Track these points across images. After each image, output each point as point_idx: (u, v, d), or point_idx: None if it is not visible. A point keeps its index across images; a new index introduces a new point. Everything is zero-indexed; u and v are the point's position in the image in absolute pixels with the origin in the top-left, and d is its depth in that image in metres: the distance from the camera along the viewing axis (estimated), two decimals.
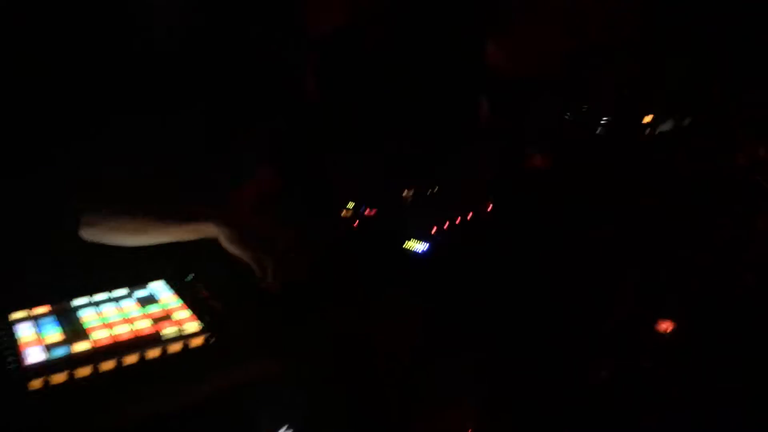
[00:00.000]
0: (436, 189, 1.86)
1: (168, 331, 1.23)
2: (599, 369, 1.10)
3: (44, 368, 1.11)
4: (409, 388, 1.11)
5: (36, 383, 1.07)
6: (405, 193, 1.83)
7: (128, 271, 1.47)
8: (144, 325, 1.26)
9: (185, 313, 1.30)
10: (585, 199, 1.83)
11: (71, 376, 1.09)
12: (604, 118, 2.74)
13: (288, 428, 1.00)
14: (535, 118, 2.50)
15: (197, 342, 1.20)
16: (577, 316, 1.24)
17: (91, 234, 1.43)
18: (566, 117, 2.90)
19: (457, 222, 1.63)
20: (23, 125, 1.43)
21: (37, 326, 1.25)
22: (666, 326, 1.19)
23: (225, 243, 1.36)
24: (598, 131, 2.64)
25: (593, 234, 1.56)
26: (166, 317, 1.29)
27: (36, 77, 1.42)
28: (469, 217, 1.67)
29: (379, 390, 1.10)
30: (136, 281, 1.44)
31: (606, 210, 1.74)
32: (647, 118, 2.70)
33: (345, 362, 1.16)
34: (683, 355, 1.13)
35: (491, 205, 1.74)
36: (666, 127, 2.60)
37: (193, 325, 1.26)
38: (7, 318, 1.28)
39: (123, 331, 1.23)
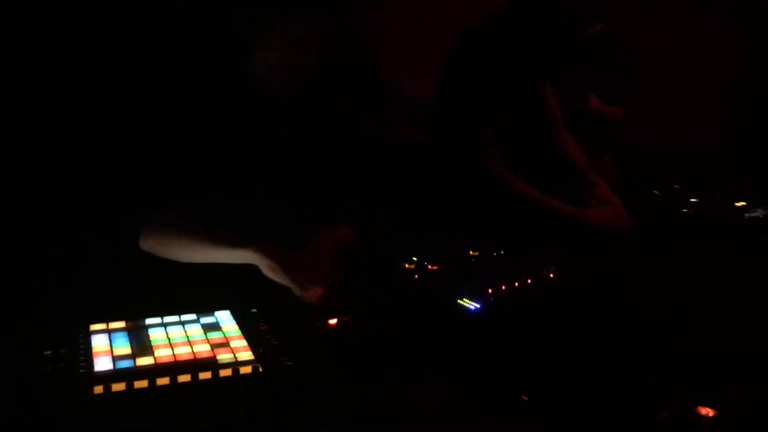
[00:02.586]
0: (501, 252, 1.90)
1: (223, 356, 1.33)
2: None
3: (108, 377, 1.22)
4: None
5: (99, 389, 1.18)
6: (471, 253, 1.88)
7: (202, 298, 1.59)
8: (203, 349, 1.36)
9: (241, 343, 1.40)
10: (657, 278, 1.81)
11: (130, 386, 1.20)
12: (694, 198, 2.70)
13: None
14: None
15: (246, 370, 1.29)
16: (613, 392, 1.24)
17: (149, 245, 1.58)
18: (655, 193, 2.89)
19: (515, 285, 1.66)
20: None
21: (110, 339, 1.38)
22: (706, 412, 1.16)
23: (264, 270, 1.52)
24: (685, 210, 2.61)
25: (652, 315, 1.54)
26: (224, 344, 1.39)
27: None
28: (528, 282, 1.69)
29: None
30: (205, 309, 1.55)
31: (677, 290, 1.71)
32: (739, 203, 2.64)
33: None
34: None
35: (553, 274, 1.76)
36: (757, 213, 2.52)
37: (245, 354, 1.34)
38: (87, 328, 1.42)
39: (183, 352, 1.34)
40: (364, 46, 2.40)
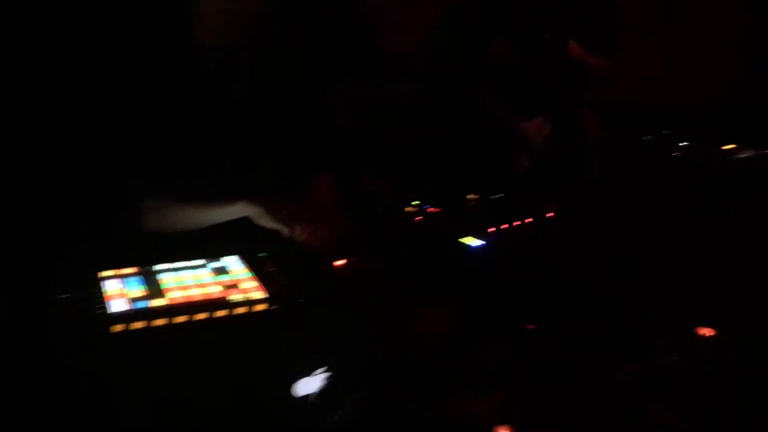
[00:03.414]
0: (500, 195, 1.94)
1: (235, 297, 1.36)
2: (627, 367, 1.14)
3: (126, 316, 1.25)
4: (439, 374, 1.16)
5: (118, 327, 1.21)
6: (470, 197, 1.91)
7: (207, 245, 1.62)
8: (214, 290, 1.38)
9: (253, 284, 1.43)
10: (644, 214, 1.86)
11: (148, 324, 1.23)
12: (684, 142, 2.75)
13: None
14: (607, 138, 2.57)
15: (259, 307, 1.32)
16: (612, 318, 1.29)
17: (151, 219, 1.67)
18: (646, 138, 2.93)
19: (515, 224, 1.70)
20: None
21: (123, 283, 1.40)
22: (706, 332, 1.21)
23: (255, 219, 1.64)
24: (675, 154, 2.66)
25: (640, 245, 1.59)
26: (234, 285, 1.41)
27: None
28: (527, 221, 1.73)
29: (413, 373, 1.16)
30: (212, 255, 1.57)
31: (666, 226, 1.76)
32: (728, 146, 2.69)
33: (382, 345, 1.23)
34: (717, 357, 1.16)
35: (553, 213, 1.80)
36: (746, 154, 2.58)
37: (258, 294, 1.37)
38: (96, 275, 1.44)
39: (195, 293, 1.36)
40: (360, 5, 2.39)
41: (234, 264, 1.54)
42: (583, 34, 2.95)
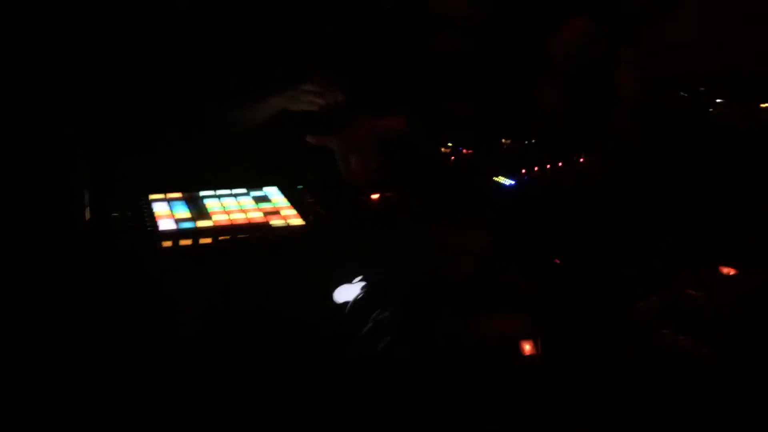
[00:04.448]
0: (533, 141, 1.97)
1: (275, 222, 1.43)
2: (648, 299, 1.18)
3: (174, 234, 1.33)
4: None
5: (167, 243, 1.29)
6: (503, 141, 1.95)
7: (249, 175, 1.69)
8: (256, 216, 1.46)
9: (292, 212, 1.50)
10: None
11: (195, 242, 1.31)
12: (719, 99, 2.73)
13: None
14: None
15: (299, 232, 1.39)
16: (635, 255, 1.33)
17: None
18: (682, 94, 2.91)
19: (548, 167, 1.74)
20: None
21: (170, 206, 1.48)
22: (728, 270, 1.25)
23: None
24: (711, 109, 2.64)
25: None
26: (275, 212, 1.49)
27: None
28: (560, 165, 1.77)
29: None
30: (253, 184, 1.65)
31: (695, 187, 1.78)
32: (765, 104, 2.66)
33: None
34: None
35: (582, 159, 1.83)
36: None
37: (297, 221, 1.44)
38: (147, 197, 1.52)
39: (238, 218, 1.44)
40: None
41: (274, 194, 1.61)
42: None
